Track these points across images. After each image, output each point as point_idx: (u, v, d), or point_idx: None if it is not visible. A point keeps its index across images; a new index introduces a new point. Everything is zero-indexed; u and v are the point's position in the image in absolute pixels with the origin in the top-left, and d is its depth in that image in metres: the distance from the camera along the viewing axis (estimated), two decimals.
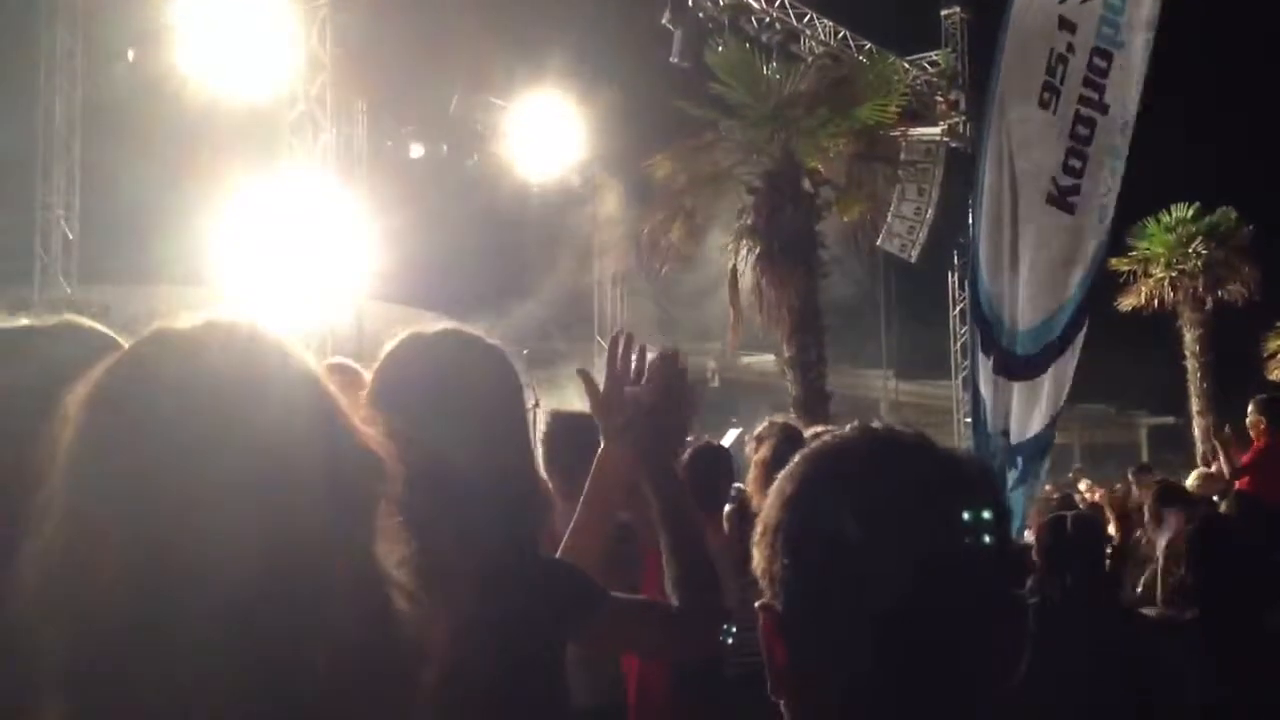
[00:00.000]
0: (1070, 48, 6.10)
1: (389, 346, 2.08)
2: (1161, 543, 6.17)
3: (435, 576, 1.18)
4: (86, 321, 1.51)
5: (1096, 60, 6.12)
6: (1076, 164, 6.15)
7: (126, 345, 1.23)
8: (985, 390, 6.24)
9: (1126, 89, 6.16)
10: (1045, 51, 6.11)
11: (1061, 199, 6.19)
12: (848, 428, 1.18)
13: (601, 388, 2.32)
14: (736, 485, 5.33)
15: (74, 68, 13.72)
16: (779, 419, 5.64)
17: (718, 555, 3.87)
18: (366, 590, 1.05)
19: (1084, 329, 6.32)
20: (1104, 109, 6.14)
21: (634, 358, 2.31)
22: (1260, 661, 3.77)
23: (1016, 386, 6.22)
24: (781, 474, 1.16)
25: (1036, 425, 6.24)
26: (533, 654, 1.97)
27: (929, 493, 1.11)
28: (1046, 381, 6.25)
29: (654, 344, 2.40)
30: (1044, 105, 6.11)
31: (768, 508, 1.15)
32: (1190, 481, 9.12)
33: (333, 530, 1.03)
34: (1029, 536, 6.94)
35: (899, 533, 1.07)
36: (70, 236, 13.69)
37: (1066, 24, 6.12)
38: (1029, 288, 6.24)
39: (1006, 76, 6.22)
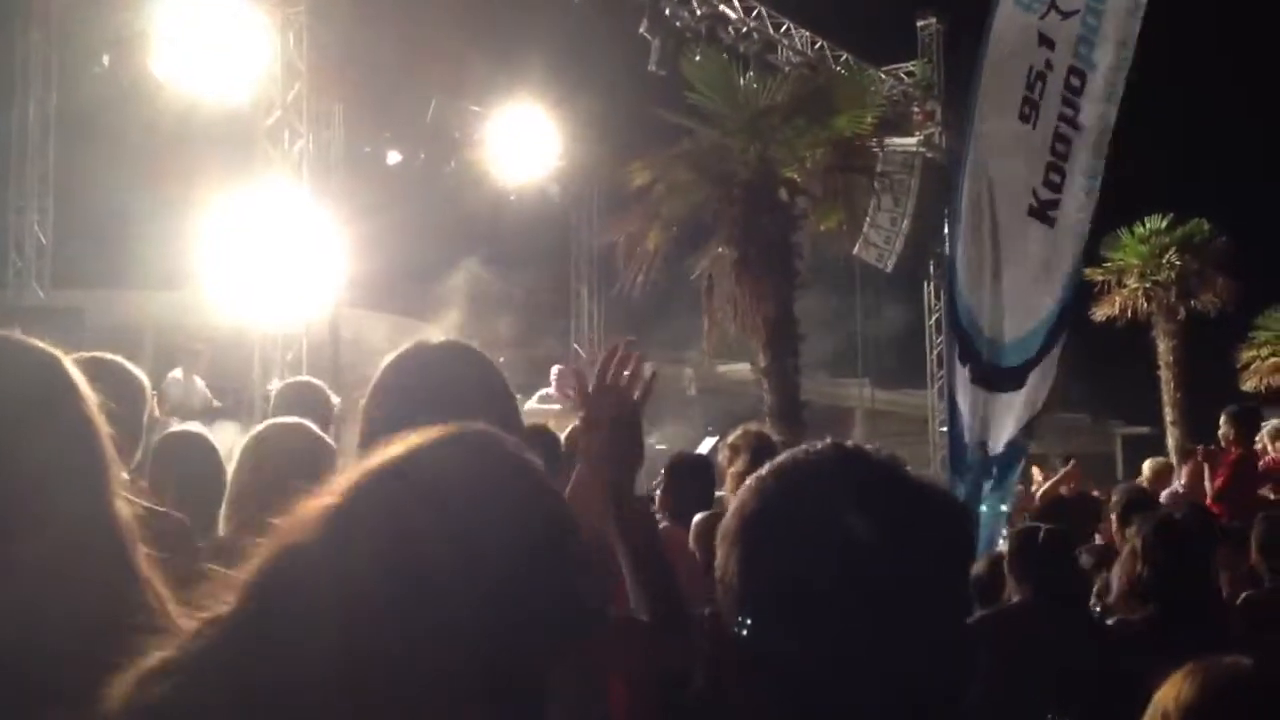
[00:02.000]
0: (1049, 64, 6.13)
1: (391, 356, 2.13)
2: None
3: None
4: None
5: (1072, 79, 6.15)
6: (1056, 179, 6.18)
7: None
8: (962, 401, 6.25)
9: (1099, 108, 6.19)
10: (1025, 68, 6.14)
11: (1042, 212, 6.22)
12: (817, 446, 1.17)
13: (590, 388, 2.28)
14: (720, 494, 5.36)
15: (48, 72, 13.59)
16: (753, 427, 5.67)
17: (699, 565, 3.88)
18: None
19: (1062, 339, 6.35)
20: (1078, 127, 6.18)
21: (627, 372, 2.28)
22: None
23: (998, 398, 6.24)
24: (743, 494, 1.15)
25: (1011, 434, 6.27)
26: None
27: (897, 522, 1.10)
28: (1025, 392, 6.27)
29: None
30: (1024, 119, 6.14)
31: (729, 527, 1.14)
32: (1146, 470, 9.17)
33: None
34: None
35: (865, 560, 1.07)
36: (44, 241, 13.56)
37: (1045, 40, 6.15)
38: (1012, 299, 6.26)
39: (987, 90, 6.25)
